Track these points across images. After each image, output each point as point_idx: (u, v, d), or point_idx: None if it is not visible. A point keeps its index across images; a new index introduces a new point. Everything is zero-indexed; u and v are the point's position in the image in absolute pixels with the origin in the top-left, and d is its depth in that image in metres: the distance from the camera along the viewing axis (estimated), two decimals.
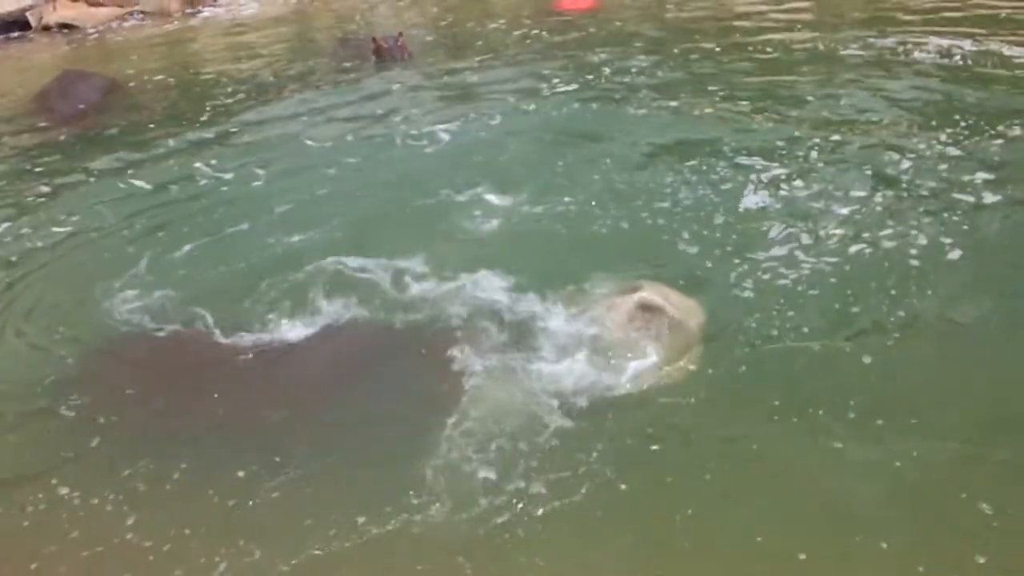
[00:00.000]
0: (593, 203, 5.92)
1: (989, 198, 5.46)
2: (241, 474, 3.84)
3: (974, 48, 8.42)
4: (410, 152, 7.25)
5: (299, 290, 5.09)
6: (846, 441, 3.69)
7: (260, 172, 7.10)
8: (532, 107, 7.99)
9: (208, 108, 9.37)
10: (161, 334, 4.85)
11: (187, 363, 4.64)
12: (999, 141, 6.22)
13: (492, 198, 6.12)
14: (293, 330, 4.74)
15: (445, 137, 7.46)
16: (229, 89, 10.12)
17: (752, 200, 5.73)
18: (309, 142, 7.76)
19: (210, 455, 4.01)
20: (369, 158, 7.24)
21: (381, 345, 4.66)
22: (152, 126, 8.87)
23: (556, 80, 8.78)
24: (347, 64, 10.52)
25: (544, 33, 11.14)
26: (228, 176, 7.11)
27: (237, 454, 3.96)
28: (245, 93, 9.86)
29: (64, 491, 3.85)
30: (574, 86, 8.59)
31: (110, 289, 5.40)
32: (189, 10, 15.59)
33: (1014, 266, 4.85)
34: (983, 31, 8.87)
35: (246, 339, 4.70)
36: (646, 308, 4.25)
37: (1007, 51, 8.18)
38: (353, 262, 5.34)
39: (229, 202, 6.55)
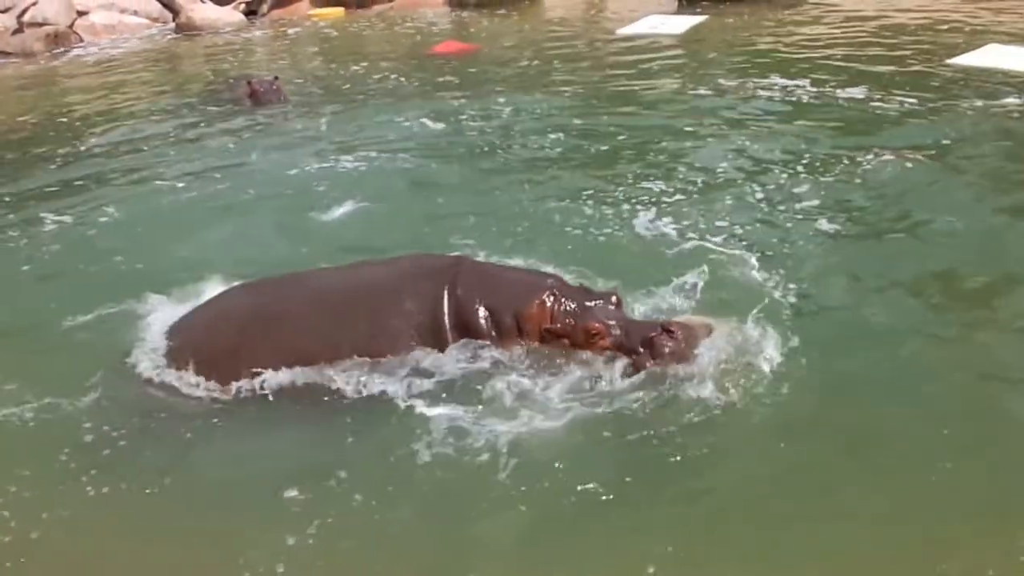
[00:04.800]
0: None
1: (846, 229, 5.75)
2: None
3: (814, 89, 9.09)
4: (277, 192, 7.24)
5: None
6: None
7: (110, 215, 6.93)
8: (397, 153, 8.02)
9: (67, 153, 9.11)
10: None
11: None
12: (845, 174, 6.66)
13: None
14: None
15: (308, 180, 7.45)
16: (92, 133, 9.88)
17: (612, 252, 5.71)
18: (170, 184, 7.61)
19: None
20: (231, 202, 7.12)
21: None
22: (4, 176, 8.54)
23: (424, 122, 8.94)
24: (216, 108, 10.37)
25: (417, 77, 11.39)
26: (75, 222, 6.87)
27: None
28: (108, 137, 9.64)
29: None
30: (440, 127, 8.80)
31: None
32: (55, 49, 15.15)
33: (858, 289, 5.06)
34: (820, 75, 9.62)
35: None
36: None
37: (840, 93, 8.87)
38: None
39: (71, 250, 6.33)
